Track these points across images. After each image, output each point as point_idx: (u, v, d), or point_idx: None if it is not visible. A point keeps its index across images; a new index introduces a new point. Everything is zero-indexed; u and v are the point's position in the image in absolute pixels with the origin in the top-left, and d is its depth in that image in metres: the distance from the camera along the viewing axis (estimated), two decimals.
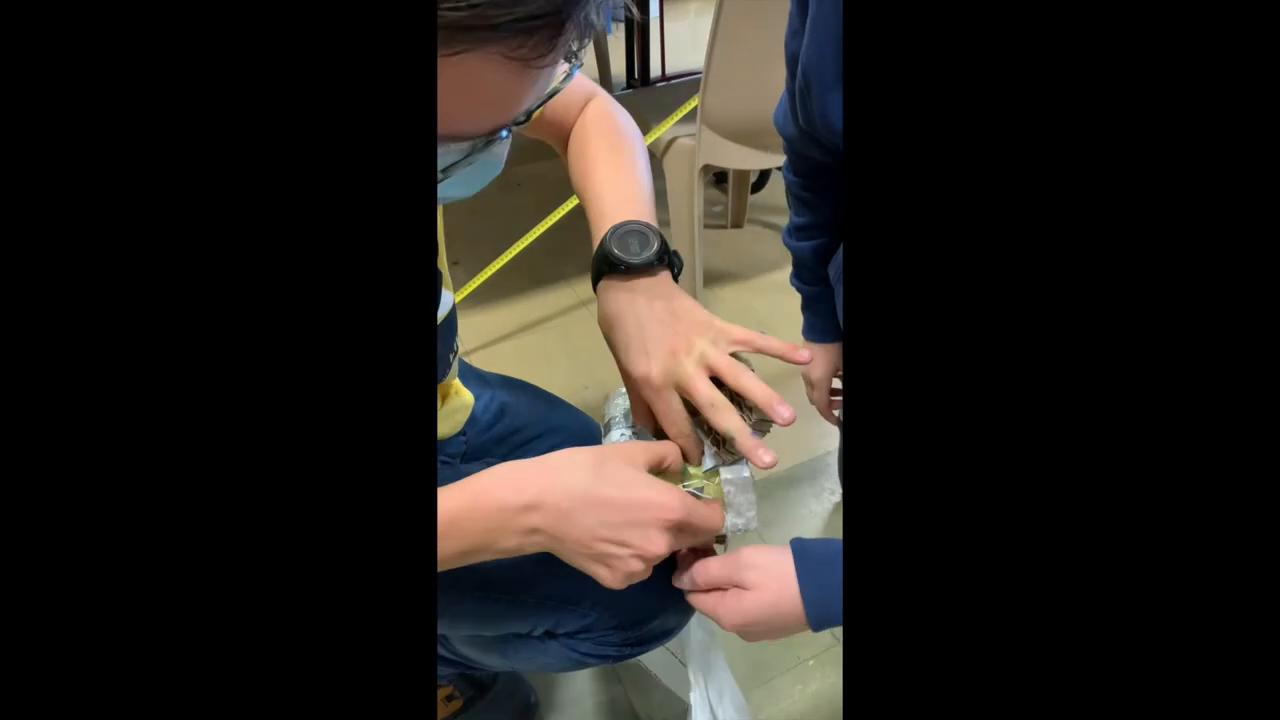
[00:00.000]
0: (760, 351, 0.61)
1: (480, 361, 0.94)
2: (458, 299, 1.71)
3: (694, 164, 1.60)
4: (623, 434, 0.65)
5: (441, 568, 0.54)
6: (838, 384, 0.99)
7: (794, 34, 0.69)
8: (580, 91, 0.73)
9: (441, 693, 1.00)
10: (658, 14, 2.73)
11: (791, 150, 0.86)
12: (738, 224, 2.14)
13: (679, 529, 0.54)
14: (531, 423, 0.86)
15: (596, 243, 0.63)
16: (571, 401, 0.92)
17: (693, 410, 0.59)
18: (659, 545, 0.52)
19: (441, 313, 0.69)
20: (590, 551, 0.53)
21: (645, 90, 2.47)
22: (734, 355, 0.59)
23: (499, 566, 0.56)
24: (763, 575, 0.58)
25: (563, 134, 0.74)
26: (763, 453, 0.56)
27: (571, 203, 1.63)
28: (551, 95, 0.46)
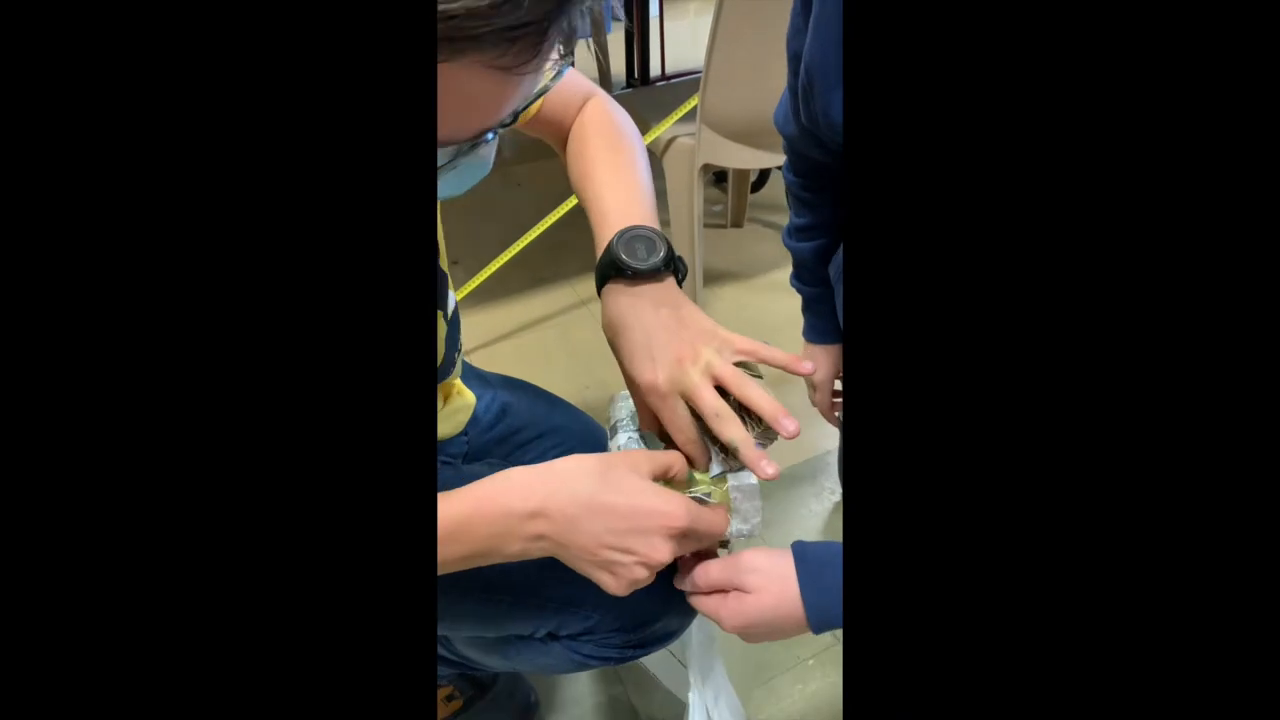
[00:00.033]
0: (764, 362, 0.61)
1: (480, 360, 0.94)
2: (459, 298, 1.71)
3: (694, 163, 1.60)
4: (630, 437, 0.65)
5: (445, 571, 0.54)
6: (839, 385, 0.99)
7: (797, 32, 0.69)
8: (578, 90, 0.73)
9: (441, 692, 1.00)
10: (657, 13, 2.73)
11: (792, 150, 0.86)
12: (738, 223, 2.14)
13: (684, 536, 0.54)
14: (532, 423, 0.86)
15: (601, 246, 0.62)
16: (572, 401, 0.92)
17: (699, 417, 0.59)
18: (663, 553, 0.53)
19: (446, 310, 0.69)
20: (595, 558, 0.53)
21: (645, 89, 2.47)
22: (741, 364, 0.60)
23: (502, 569, 0.56)
24: (763, 578, 0.59)
25: (560, 133, 0.74)
26: (766, 464, 0.57)
27: (571, 202, 1.63)
28: (541, 94, 0.46)
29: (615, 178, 0.67)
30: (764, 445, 0.59)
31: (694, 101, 1.53)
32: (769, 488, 1.37)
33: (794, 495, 1.37)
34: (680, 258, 0.63)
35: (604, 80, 2.45)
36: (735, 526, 0.60)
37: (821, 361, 0.96)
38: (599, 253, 0.62)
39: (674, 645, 0.89)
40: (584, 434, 0.88)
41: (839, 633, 1.14)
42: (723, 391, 0.58)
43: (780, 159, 0.92)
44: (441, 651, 0.86)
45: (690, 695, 0.81)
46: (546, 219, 1.68)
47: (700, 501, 0.59)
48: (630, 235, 0.61)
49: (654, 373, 0.58)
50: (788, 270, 0.97)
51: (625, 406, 0.68)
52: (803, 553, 0.59)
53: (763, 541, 1.27)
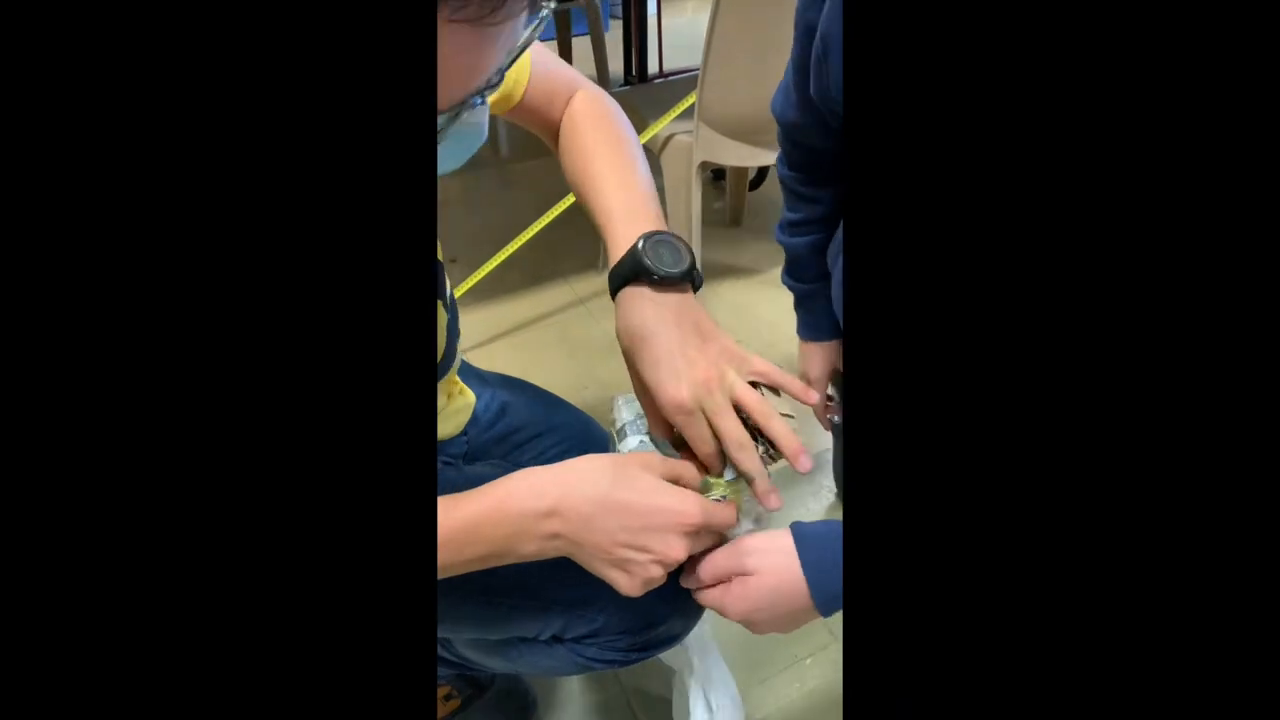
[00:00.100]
0: (776, 386, 0.62)
1: (478, 359, 0.94)
2: (457, 296, 1.71)
3: (691, 161, 1.60)
4: (641, 440, 0.64)
5: (460, 572, 0.54)
6: (832, 390, 0.99)
7: (810, 4, 0.70)
8: (564, 81, 0.72)
9: (439, 692, 1.00)
10: (655, 11, 2.73)
11: (788, 140, 0.85)
12: (736, 221, 2.14)
13: (697, 533, 0.54)
14: (531, 422, 0.86)
15: (617, 247, 0.62)
16: (570, 400, 0.92)
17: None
18: (678, 550, 0.53)
19: (445, 298, 0.69)
20: (610, 556, 0.53)
21: (643, 87, 2.47)
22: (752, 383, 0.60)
23: (504, 571, 0.56)
24: (763, 558, 0.59)
25: (549, 124, 0.72)
26: (775, 498, 0.58)
27: (568, 200, 1.63)
28: (524, 48, 0.45)
29: (618, 176, 0.66)
30: (768, 463, 0.60)
31: (691, 99, 1.53)
32: None
33: (792, 494, 1.37)
34: (699, 270, 0.63)
35: (602, 78, 2.44)
36: (745, 526, 0.60)
37: (816, 358, 0.96)
38: (615, 254, 0.62)
39: None
40: (583, 433, 0.88)
41: (837, 631, 1.14)
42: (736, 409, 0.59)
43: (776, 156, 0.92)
44: (441, 652, 0.86)
45: (689, 685, 0.81)
46: (544, 217, 1.68)
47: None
48: (656, 240, 0.61)
49: (679, 390, 0.57)
50: None
51: (630, 408, 0.68)
52: (801, 532, 0.59)
53: None
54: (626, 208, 0.64)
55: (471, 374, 0.87)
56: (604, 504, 0.52)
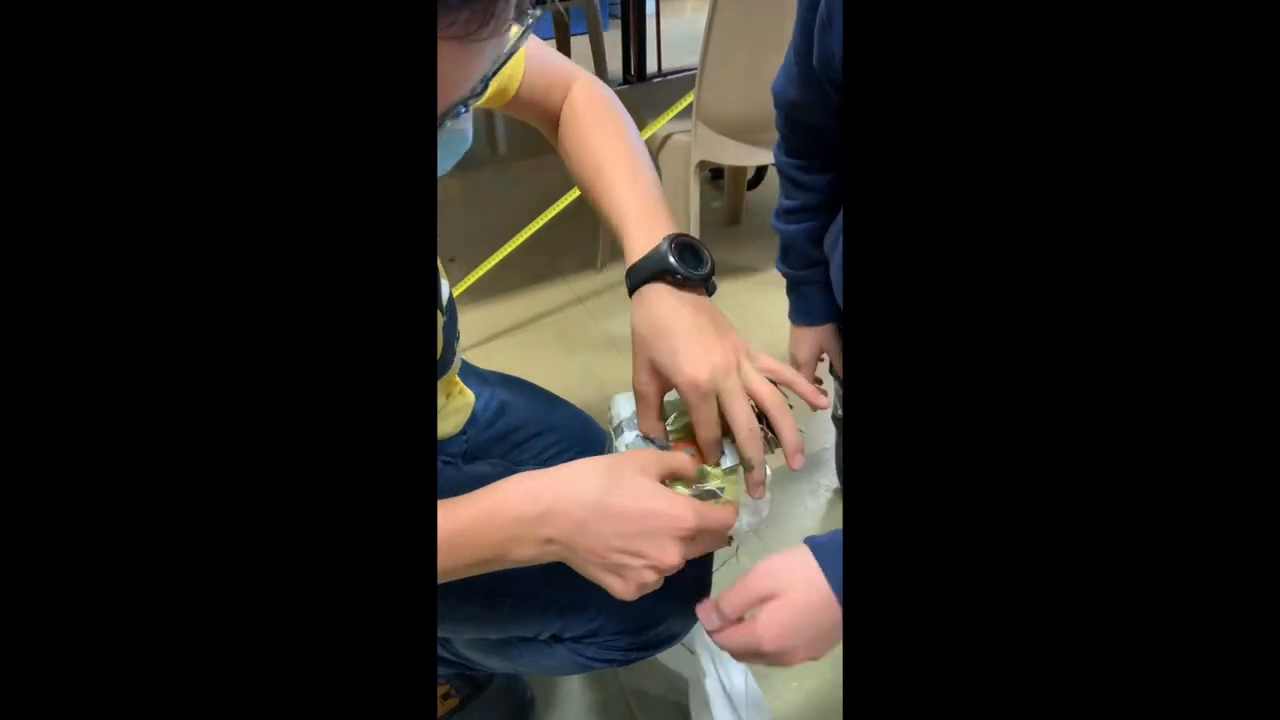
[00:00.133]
0: (785, 384, 0.63)
1: (476, 358, 0.94)
2: (455, 295, 1.71)
3: (690, 160, 1.60)
4: (636, 435, 0.65)
5: (456, 577, 0.54)
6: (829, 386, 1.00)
7: None
8: (561, 71, 0.72)
9: (438, 690, 1.00)
10: (654, 10, 2.73)
11: (787, 121, 0.86)
12: (734, 221, 2.14)
13: (693, 538, 0.54)
14: (530, 421, 0.86)
15: (636, 246, 0.63)
16: (569, 399, 0.92)
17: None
18: (673, 556, 0.53)
19: (440, 301, 0.69)
20: (604, 561, 0.53)
21: (641, 86, 2.47)
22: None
23: (504, 571, 0.56)
24: (785, 577, 0.56)
25: (547, 115, 0.73)
26: (762, 489, 0.60)
27: (567, 199, 1.63)
28: (508, 58, 0.45)
29: (627, 172, 0.67)
30: (766, 452, 0.61)
31: (690, 98, 1.53)
32: None
33: (790, 491, 1.37)
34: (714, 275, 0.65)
35: (600, 77, 2.44)
36: (745, 519, 0.60)
37: (805, 342, 0.98)
38: (635, 253, 0.63)
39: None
40: (582, 432, 0.87)
41: None
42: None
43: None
44: (440, 652, 0.86)
45: (706, 682, 0.81)
46: (542, 216, 1.68)
47: (710, 495, 0.59)
48: (681, 242, 0.63)
49: (699, 371, 0.58)
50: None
51: (628, 406, 0.68)
52: (818, 544, 0.57)
53: (757, 538, 1.27)
54: (643, 207, 0.65)
55: (471, 373, 0.87)
56: (598, 509, 0.52)
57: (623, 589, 0.54)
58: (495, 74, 0.45)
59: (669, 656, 0.95)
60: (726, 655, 0.86)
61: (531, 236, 1.70)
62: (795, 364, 0.99)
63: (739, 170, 2.08)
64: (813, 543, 0.58)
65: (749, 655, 0.57)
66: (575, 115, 0.71)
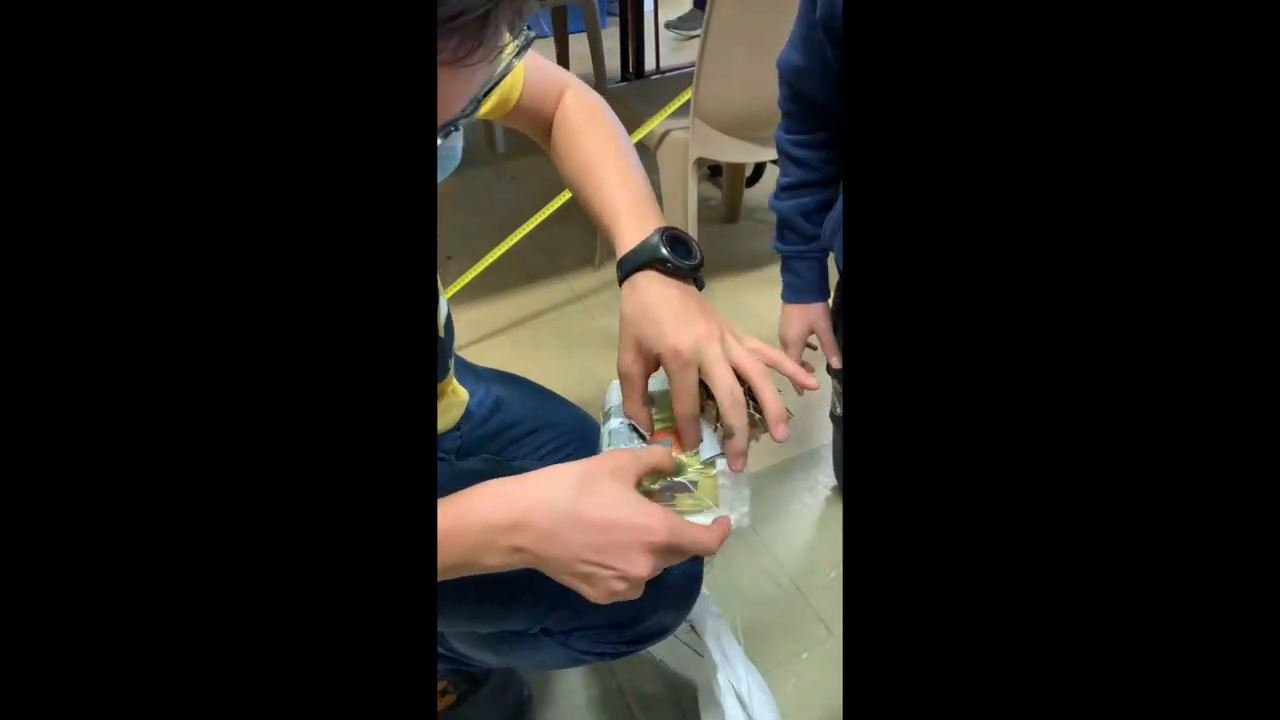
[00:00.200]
0: (773, 365, 0.63)
1: (474, 356, 0.94)
2: (452, 293, 1.71)
3: (688, 157, 1.59)
4: (621, 422, 0.65)
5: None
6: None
7: None
8: (553, 80, 0.73)
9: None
10: (652, 7, 2.73)
11: (788, 90, 0.89)
12: (732, 218, 2.14)
13: (665, 551, 0.54)
14: (526, 417, 0.86)
15: (625, 239, 0.64)
16: (566, 396, 0.92)
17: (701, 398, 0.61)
18: (642, 568, 0.52)
19: (440, 319, 0.69)
20: (573, 571, 0.53)
21: (640, 83, 2.47)
22: None
23: None
24: None
25: (541, 123, 0.74)
26: (741, 460, 0.60)
27: (564, 197, 1.63)
28: (501, 78, 0.46)
29: (619, 172, 0.69)
30: (753, 436, 0.60)
31: (688, 95, 1.53)
32: (762, 481, 1.37)
33: (788, 489, 1.37)
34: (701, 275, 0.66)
35: (599, 74, 2.44)
36: (724, 515, 0.59)
37: (796, 320, 0.99)
38: (625, 246, 0.64)
39: (684, 631, 0.90)
40: (579, 428, 0.87)
41: (834, 627, 1.14)
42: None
43: (773, 153, 0.93)
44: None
45: (717, 676, 0.82)
46: (540, 214, 1.68)
47: (682, 489, 0.59)
48: (671, 235, 0.64)
49: (681, 339, 0.59)
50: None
51: (620, 393, 0.68)
52: None
53: (757, 535, 1.27)
54: (634, 203, 0.66)
55: (466, 370, 0.87)
56: (568, 519, 0.52)
57: (595, 596, 0.54)
58: (487, 95, 0.45)
59: (675, 660, 0.96)
60: (735, 657, 0.86)
61: (529, 234, 1.70)
62: (784, 344, 1.00)
63: (737, 167, 2.07)
64: None
65: None
66: (567, 120, 0.72)
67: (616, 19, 2.77)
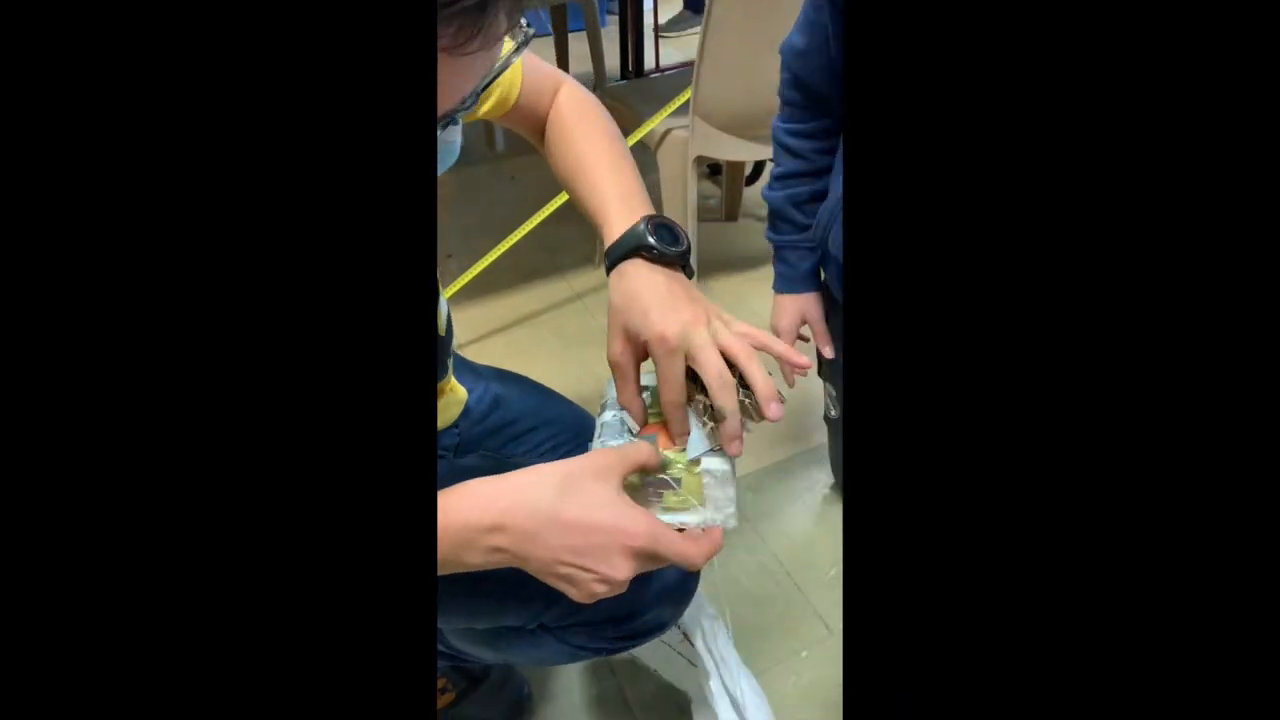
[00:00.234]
0: (763, 348, 0.62)
1: (473, 355, 0.94)
2: (452, 292, 1.71)
3: (687, 156, 1.59)
4: (613, 414, 0.65)
5: None
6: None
7: None
8: (549, 79, 0.74)
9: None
10: (652, 6, 2.72)
11: (790, 79, 0.89)
12: (731, 217, 2.14)
13: (646, 556, 0.53)
14: (525, 415, 0.86)
15: (613, 228, 0.64)
16: (566, 394, 0.92)
17: (689, 389, 0.60)
18: (621, 571, 0.52)
19: (440, 322, 0.69)
20: (554, 572, 0.53)
21: (639, 81, 2.46)
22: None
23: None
24: None
25: (537, 122, 0.75)
26: (737, 444, 0.58)
27: (564, 195, 1.62)
28: (499, 74, 0.46)
29: (610, 164, 0.69)
30: (746, 421, 0.59)
31: (687, 94, 1.53)
32: (761, 479, 1.37)
33: (787, 487, 1.37)
34: (692, 262, 0.65)
35: (598, 73, 2.44)
36: (708, 515, 0.58)
37: (788, 310, 1.00)
38: (613, 234, 0.64)
39: (671, 637, 0.90)
40: (577, 426, 0.87)
41: (833, 625, 1.14)
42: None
43: (772, 151, 0.94)
44: None
45: (711, 682, 0.81)
46: (540, 213, 1.68)
47: (665, 485, 0.58)
48: (657, 222, 0.64)
49: (667, 326, 0.59)
50: None
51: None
52: None
53: (755, 534, 1.27)
54: (623, 193, 0.66)
55: (465, 368, 0.87)
56: (549, 520, 0.51)
57: (577, 596, 0.53)
58: (485, 88, 0.45)
59: (670, 670, 0.95)
60: (729, 659, 0.86)
61: (529, 233, 1.70)
62: (775, 334, 1.00)
63: (737, 166, 2.07)
64: None
65: None
66: (560, 117, 0.73)
67: (616, 17, 2.77)
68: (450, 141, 0.50)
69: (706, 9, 1.41)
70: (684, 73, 1.83)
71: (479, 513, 0.52)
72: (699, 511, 0.58)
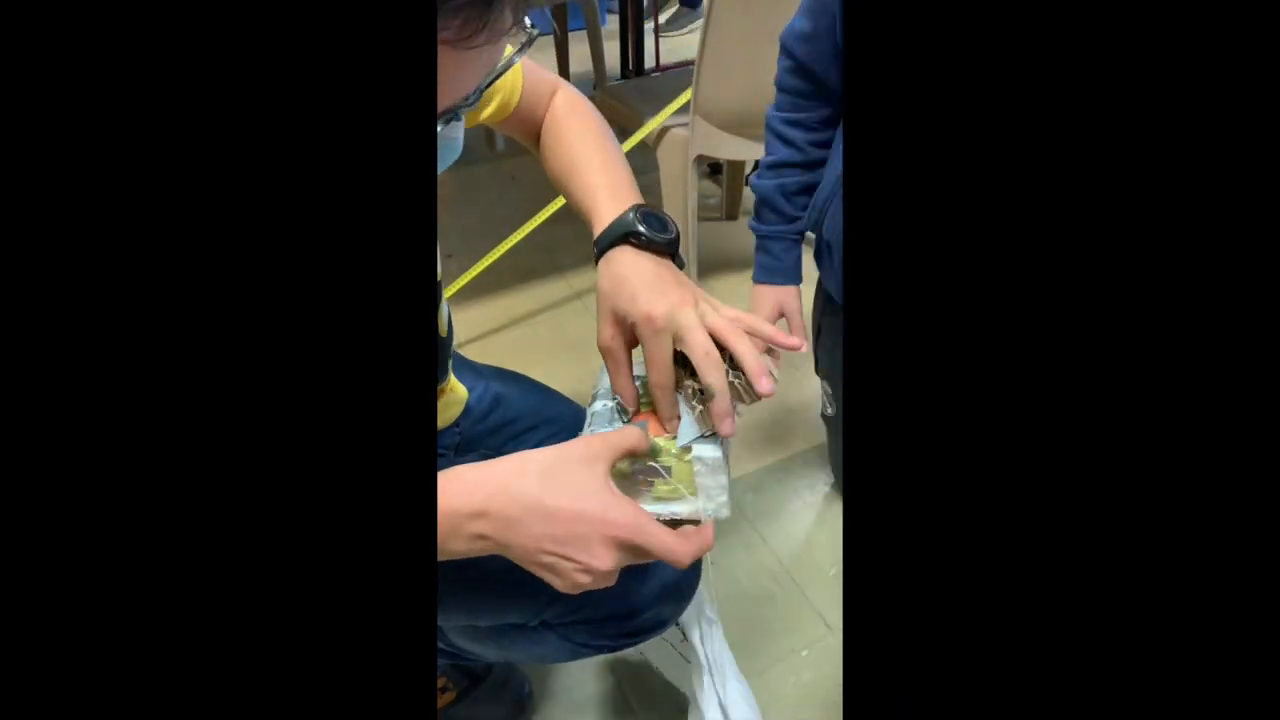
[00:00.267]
0: (751, 331, 0.61)
1: (473, 354, 0.94)
2: (452, 292, 1.71)
3: (688, 154, 1.60)
4: (604, 404, 0.64)
5: None
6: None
7: None
8: (545, 82, 0.74)
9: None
10: (652, 4, 2.72)
11: (790, 63, 0.89)
12: (731, 216, 2.14)
13: (630, 547, 0.52)
14: (526, 414, 0.86)
15: (602, 218, 0.64)
16: (566, 394, 0.92)
17: (679, 374, 0.60)
18: (604, 561, 0.51)
19: (440, 323, 0.70)
20: (537, 560, 0.52)
21: (639, 81, 2.46)
22: None
23: (491, 558, 0.56)
24: None
25: (534, 127, 0.75)
26: (729, 422, 0.57)
27: None
28: (503, 71, 0.46)
29: (601, 160, 0.69)
30: (736, 404, 0.59)
31: (688, 93, 1.53)
32: (760, 479, 1.37)
33: (787, 486, 1.37)
34: (682, 253, 0.65)
35: (599, 72, 2.44)
36: (700, 504, 0.56)
37: (766, 301, 0.99)
38: (602, 224, 0.64)
39: (673, 635, 0.90)
40: (577, 425, 0.87)
41: (833, 623, 1.14)
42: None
43: None
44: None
45: (702, 682, 0.81)
46: (541, 213, 1.68)
47: (654, 473, 0.57)
48: (645, 210, 0.64)
49: (652, 306, 0.59)
50: None
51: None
52: None
53: (755, 533, 1.28)
54: (613, 186, 0.66)
55: (465, 366, 0.87)
56: (532, 508, 0.51)
57: (561, 586, 0.52)
58: (488, 86, 0.45)
59: (671, 668, 0.95)
60: (723, 662, 0.85)
61: (529, 233, 1.70)
62: None
63: (737, 165, 2.07)
64: None
65: None
66: (555, 120, 0.73)
67: (616, 16, 2.77)
68: (453, 138, 0.50)
69: (707, 8, 1.41)
70: (684, 71, 1.83)
71: (463, 499, 0.51)
72: (690, 501, 0.56)
